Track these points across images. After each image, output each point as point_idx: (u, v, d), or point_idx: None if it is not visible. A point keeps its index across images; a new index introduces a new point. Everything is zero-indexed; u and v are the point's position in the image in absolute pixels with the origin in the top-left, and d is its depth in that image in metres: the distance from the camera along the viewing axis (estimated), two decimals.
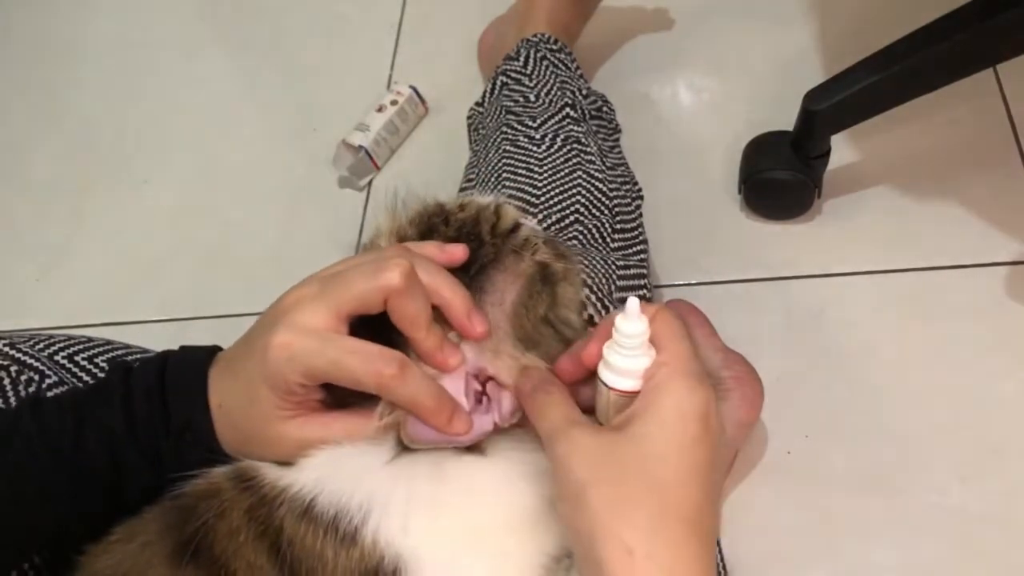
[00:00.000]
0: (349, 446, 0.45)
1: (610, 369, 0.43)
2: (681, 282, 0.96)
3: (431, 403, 0.43)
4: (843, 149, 0.98)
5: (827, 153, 0.91)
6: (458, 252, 0.48)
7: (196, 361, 0.49)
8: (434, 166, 1.12)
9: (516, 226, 0.50)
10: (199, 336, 1.10)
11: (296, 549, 0.42)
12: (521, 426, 0.46)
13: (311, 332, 0.44)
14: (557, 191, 0.76)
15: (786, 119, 0.91)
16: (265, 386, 0.44)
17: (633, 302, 0.41)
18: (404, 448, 0.45)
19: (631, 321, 0.41)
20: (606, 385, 0.43)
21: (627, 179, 0.85)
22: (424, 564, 0.42)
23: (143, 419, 0.48)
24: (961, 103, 0.98)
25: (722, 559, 0.62)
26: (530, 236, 0.50)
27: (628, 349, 0.42)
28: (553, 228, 0.73)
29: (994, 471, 0.79)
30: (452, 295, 0.46)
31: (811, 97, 0.86)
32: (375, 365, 0.43)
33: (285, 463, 0.45)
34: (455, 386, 0.45)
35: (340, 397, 0.46)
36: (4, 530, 0.46)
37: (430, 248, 0.48)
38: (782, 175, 0.92)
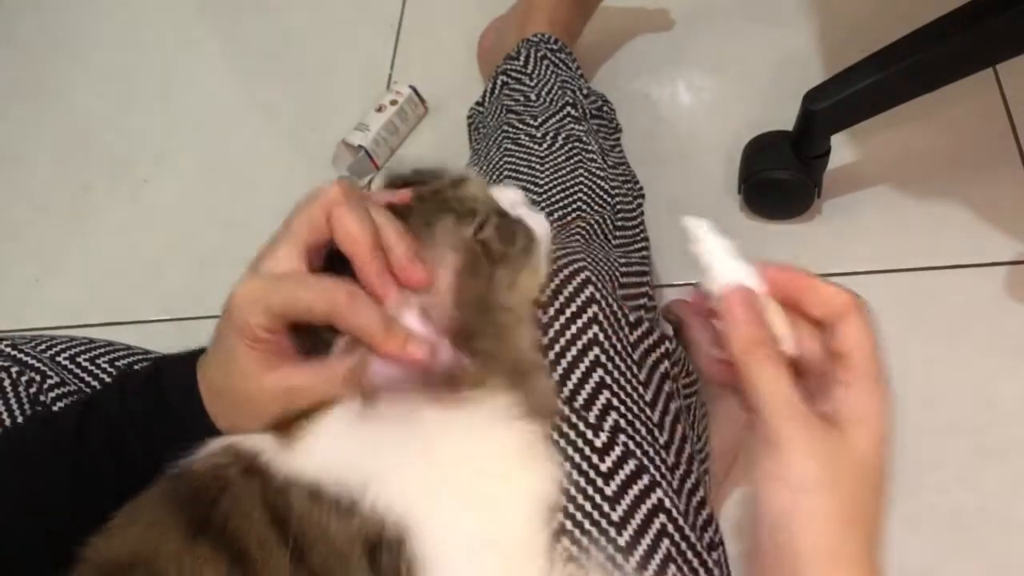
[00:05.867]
0: (345, 421, 0.45)
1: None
2: (681, 282, 0.96)
3: (381, 329, 0.43)
4: (843, 149, 0.98)
5: (827, 153, 0.91)
6: (406, 193, 0.49)
7: (191, 355, 0.50)
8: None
9: (462, 179, 0.51)
10: (199, 336, 1.11)
11: (304, 524, 0.42)
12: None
13: (269, 275, 0.45)
14: (559, 189, 0.76)
15: (786, 119, 0.91)
16: (235, 338, 0.45)
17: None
18: (369, 401, 0.44)
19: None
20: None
21: (628, 178, 0.85)
22: (424, 528, 0.42)
23: (139, 408, 0.48)
24: (961, 103, 0.98)
25: (725, 559, 0.62)
26: (481, 209, 0.49)
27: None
28: (555, 225, 0.73)
29: (994, 471, 0.79)
30: (397, 238, 0.46)
31: (811, 97, 0.86)
32: (326, 293, 0.43)
33: (286, 443, 0.45)
34: (412, 320, 0.45)
35: (315, 348, 0.46)
36: (16, 534, 0.47)
37: (379, 193, 0.49)
38: (782, 175, 0.92)
